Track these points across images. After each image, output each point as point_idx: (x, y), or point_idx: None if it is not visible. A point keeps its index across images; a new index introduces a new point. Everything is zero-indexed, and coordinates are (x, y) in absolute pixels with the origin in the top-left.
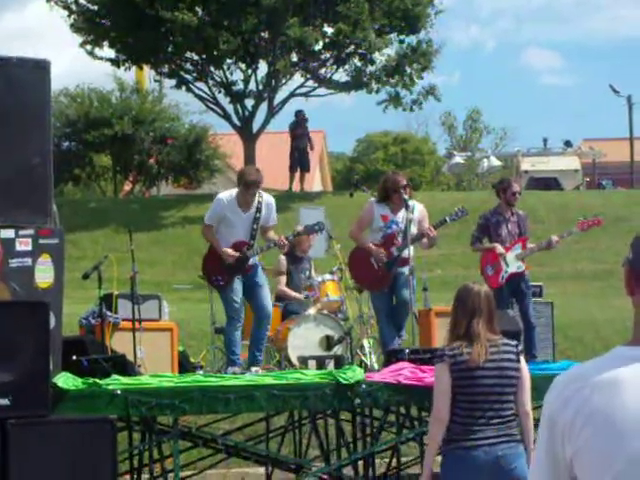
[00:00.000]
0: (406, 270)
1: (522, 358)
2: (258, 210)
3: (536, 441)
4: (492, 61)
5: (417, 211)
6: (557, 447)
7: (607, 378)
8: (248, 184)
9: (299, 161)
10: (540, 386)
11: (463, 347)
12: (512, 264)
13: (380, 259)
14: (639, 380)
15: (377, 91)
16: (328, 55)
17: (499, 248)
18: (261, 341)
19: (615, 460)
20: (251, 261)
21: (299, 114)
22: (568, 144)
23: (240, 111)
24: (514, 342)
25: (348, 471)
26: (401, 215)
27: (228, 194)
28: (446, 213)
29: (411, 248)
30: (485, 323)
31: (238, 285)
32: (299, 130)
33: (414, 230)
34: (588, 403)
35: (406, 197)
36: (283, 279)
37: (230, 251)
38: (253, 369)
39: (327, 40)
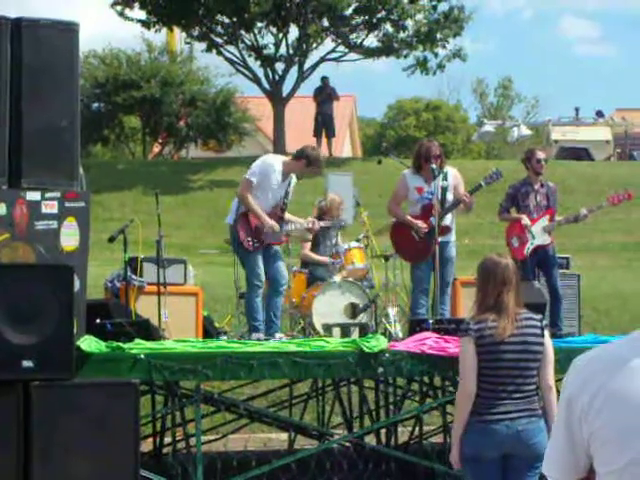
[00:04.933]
0: (451, 243)
1: (547, 332)
2: (289, 185)
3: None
4: (527, 29)
5: (451, 177)
6: (575, 428)
7: (625, 361)
8: (319, 165)
9: (324, 126)
10: (563, 359)
11: (490, 320)
12: (538, 236)
13: (421, 231)
14: None
15: (406, 56)
16: (359, 20)
17: (525, 219)
18: (278, 307)
19: (630, 444)
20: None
21: (324, 80)
22: (600, 114)
23: (270, 75)
24: (539, 316)
25: (370, 439)
26: (434, 184)
27: (276, 159)
28: (477, 181)
29: (451, 216)
30: (514, 296)
31: (261, 253)
32: (324, 96)
33: (450, 197)
34: (605, 386)
35: (434, 167)
36: (308, 244)
37: (273, 222)
38: (277, 335)
39: (358, 5)
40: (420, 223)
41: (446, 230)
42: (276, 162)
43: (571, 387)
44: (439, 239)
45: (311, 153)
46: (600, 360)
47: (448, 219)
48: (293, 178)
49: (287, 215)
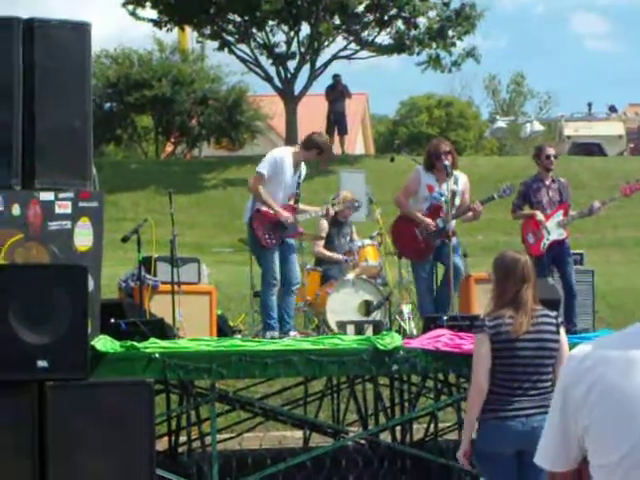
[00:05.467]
0: (455, 244)
1: (562, 330)
2: (299, 176)
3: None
4: (539, 25)
5: (461, 182)
6: (569, 419)
7: (623, 355)
8: (329, 151)
9: (336, 124)
10: None
11: (507, 317)
12: (553, 231)
13: (428, 229)
14: None
15: (418, 53)
16: (371, 18)
17: (539, 215)
18: (290, 307)
19: (627, 437)
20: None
21: (336, 77)
22: (613, 109)
23: (282, 73)
24: (554, 313)
25: (385, 436)
26: (445, 186)
27: (286, 151)
28: (488, 180)
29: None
30: (532, 293)
31: (277, 250)
32: (336, 93)
33: (457, 201)
34: (602, 379)
35: (447, 163)
36: (321, 242)
37: (287, 213)
38: (291, 333)
39: (369, 2)
40: (430, 221)
41: (453, 234)
42: (286, 154)
43: (567, 379)
44: (441, 240)
45: (320, 141)
46: (597, 353)
47: (452, 223)
48: (303, 169)
49: (301, 205)
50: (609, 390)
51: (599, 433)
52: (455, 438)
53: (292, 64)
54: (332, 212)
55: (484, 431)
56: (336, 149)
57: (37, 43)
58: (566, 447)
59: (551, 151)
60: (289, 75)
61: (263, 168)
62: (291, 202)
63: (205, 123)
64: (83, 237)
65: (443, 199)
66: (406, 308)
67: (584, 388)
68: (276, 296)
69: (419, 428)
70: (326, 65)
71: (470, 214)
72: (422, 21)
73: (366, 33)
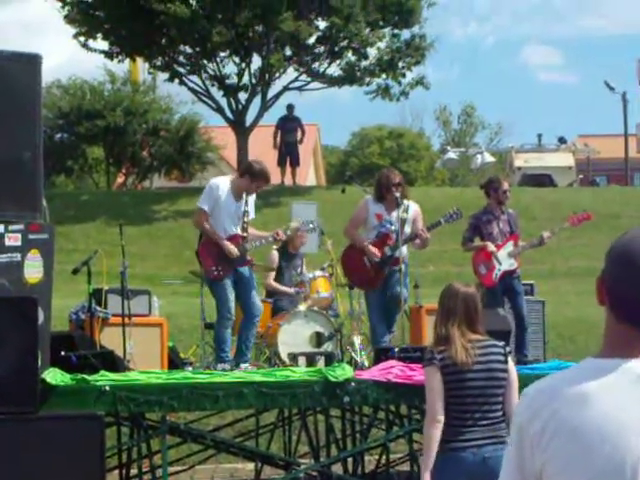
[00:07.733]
0: (400, 267)
1: (510, 359)
2: (246, 203)
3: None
4: (490, 57)
5: (412, 210)
6: (526, 457)
7: (575, 390)
8: (263, 178)
9: (288, 155)
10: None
11: (445, 349)
12: (505, 262)
13: (372, 259)
14: (606, 392)
15: (368, 84)
16: (322, 49)
17: (490, 246)
18: (250, 339)
19: (583, 473)
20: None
21: (290, 108)
22: (562, 140)
23: (233, 104)
24: (501, 343)
25: (337, 468)
26: (395, 214)
27: (222, 179)
28: (440, 211)
29: (404, 247)
30: (461, 325)
31: (231, 282)
32: (288, 124)
33: (408, 230)
34: (556, 415)
35: (398, 195)
36: (272, 274)
37: (232, 246)
38: (242, 365)
39: (320, 34)
40: (375, 251)
41: (397, 262)
42: (222, 182)
43: (522, 417)
44: (390, 268)
45: (254, 166)
46: (551, 389)
47: (403, 251)
48: (252, 196)
49: (251, 231)
50: (563, 426)
51: (555, 470)
52: (407, 469)
53: (243, 95)
54: (283, 236)
55: (436, 463)
56: (288, 180)
57: None
58: None
59: (507, 186)
60: (240, 106)
61: (202, 203)
62: (239, 231)
63: (156, 154)
64: (33, 269)
65: (393, 227)
66: (357, 339)
67: (539, 425)
68: (230, 330)
69: (371, 459)
70: (277, 96)
71: (418, 241)
72: (372, 52)
73: (317, 64)
